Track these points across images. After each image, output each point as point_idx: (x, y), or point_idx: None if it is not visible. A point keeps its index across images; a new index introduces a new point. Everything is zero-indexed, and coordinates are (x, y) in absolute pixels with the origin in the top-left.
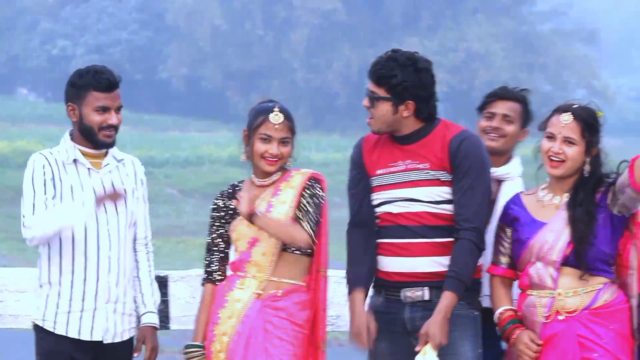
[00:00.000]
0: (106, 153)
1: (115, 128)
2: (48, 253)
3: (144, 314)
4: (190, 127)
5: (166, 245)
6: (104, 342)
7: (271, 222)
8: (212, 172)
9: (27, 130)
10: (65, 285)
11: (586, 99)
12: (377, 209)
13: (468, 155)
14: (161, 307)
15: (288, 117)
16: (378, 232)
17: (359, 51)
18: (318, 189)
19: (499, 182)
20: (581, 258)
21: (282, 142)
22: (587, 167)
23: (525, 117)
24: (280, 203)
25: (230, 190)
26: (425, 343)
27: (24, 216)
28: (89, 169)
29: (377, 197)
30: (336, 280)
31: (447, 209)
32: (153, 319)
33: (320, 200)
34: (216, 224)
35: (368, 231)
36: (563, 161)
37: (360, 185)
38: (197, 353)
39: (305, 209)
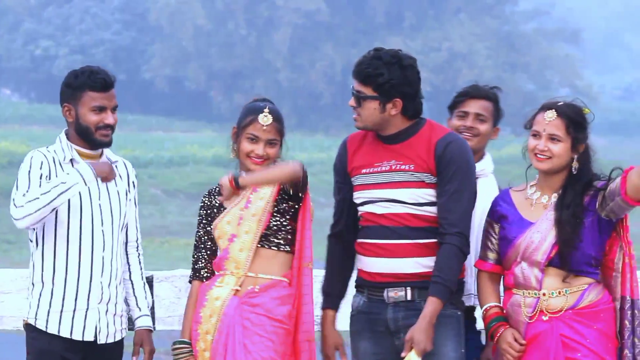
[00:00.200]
0: (101, 154)
1: (111, 127)
2: (42, 252)
3: (138, 317)
4: (174, 127)
5: (150, 246)
6: (97, 342)
7: (256, 174)
8: (196, 172)
9: (11, 131)
10: (58, 284)
11: (572, 97)
12: (360, 208)
13: (454, 159)
14: None
15: (277, 119)
16: (361, 231)
17: (342, 51)
18: None
19: None
20: (565, 260)
21: (269, 143)
22: (575, 164)
23: (497, 115)
24: (258, 198)
25: (218, 189)
26: (411, 349)
27: (14, 199)
28: None
29: (360, 196)
30: (320, 280)
31: (430, 211)
32: (148, 322)
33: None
34: (203, 221)
35: (344, 246)
36: (550, 157)
37: (341, 194)
38: (184, 350)
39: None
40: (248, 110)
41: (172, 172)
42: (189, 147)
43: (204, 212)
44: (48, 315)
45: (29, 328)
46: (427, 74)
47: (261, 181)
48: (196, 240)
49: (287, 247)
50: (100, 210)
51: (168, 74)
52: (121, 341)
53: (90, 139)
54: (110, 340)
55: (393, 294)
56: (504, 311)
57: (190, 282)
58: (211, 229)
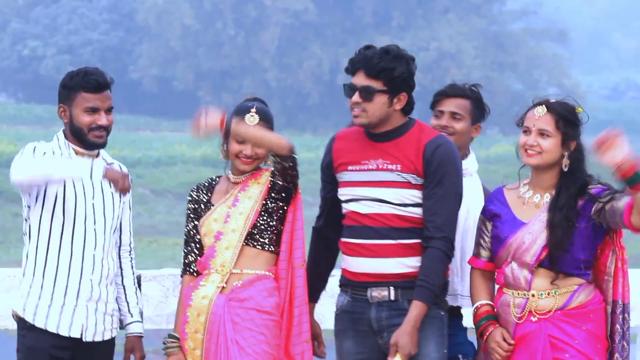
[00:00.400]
0: (97, 154)
1: (105, 129)
2: (36, 245)
3: (130, 323)
4: (161, 127)
5: (138, 245)
6: (83, 339)
7: (253, 129)
8: (184, 172)
9: None
10: (48, 278)
11: (563, 95)
12: (345, 205)
13: (443, 162)
14: None
15: (265, 118)
16: (344, 230)
17: (330, 50)
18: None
19: None
20: (555, 263)
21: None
22: (565, 161)
23: (478, 112)
24: (246, 197)
25: (207, 184)
26: (396, 352)
27: (14, 163)
28: None
29: (345, 193)
30: None
31: (415, 212)
32: (140, 329)
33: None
34: (191, 215)
35: (325, 241)
36: (539, 153)
37: (325, 191)
38: (174, 344)
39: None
40: (236, 111)
41: (160, 172)
42: (177, 147)
43: (192, 206)
44: (36, 308)
45: (19, 324)
46: (416, 73)
47: (253, 138)
48: (185, 235)
49: (271, 247)
50: (94, 209)
51: (156, 74)
52: (111, 341)
53: (83, 139)
54: (99, 338)
55: (377, 293)
56: (495, 310)
57: (181, 276)
58: (199, 224)
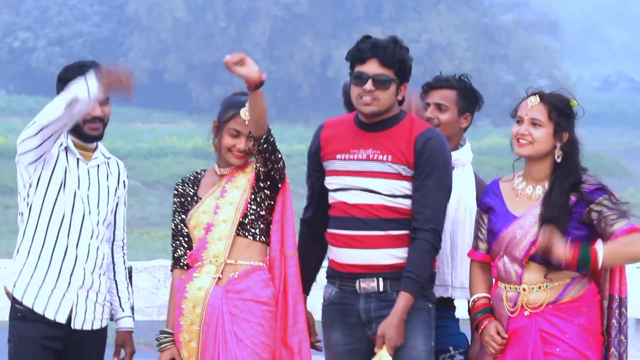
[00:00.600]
0: (96, 147)
1: (101, 120)
2: (36, 223)
3: (121, 318)
4: (153, 118)
5: (129, 237)
6: (72, 327)
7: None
8: (175, 164)
9: None
10: (43, 260)
11: (557, 88)
12: (333, 194)
13: (433, 155)
14: None
15: None
16: (331, 221)
17: (321, 43)
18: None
19: None
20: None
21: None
22: (558, 152)
23: (466, 102)
24: (234, 187)
25: (192, 178)
26: (382, 344)
27: (25, 130)
28: (77, 158)
29: (333, 182)
30: None
31: (404, 203)
32: (130, 324)
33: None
34: (178, 209)
35: (314, 232)
36: (531, 142)
37: (311, 181)
38: (167, 340)
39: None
40: (229, 105)
41: (151, 164)
42: (168, 139)
43: (178, 200)
44: (27, 286)
45: (11, 315)
46: None
47: (262, 107)
48: (173, 229)
49: (262, 237)
50: (88, 200)
51: (147, 66)
52: (103, 332)
53: (79, 132)
54: (88, 327)
55: (365, 284)
56: (491, 302)
57: (171, 271)
58: (186, 217)
